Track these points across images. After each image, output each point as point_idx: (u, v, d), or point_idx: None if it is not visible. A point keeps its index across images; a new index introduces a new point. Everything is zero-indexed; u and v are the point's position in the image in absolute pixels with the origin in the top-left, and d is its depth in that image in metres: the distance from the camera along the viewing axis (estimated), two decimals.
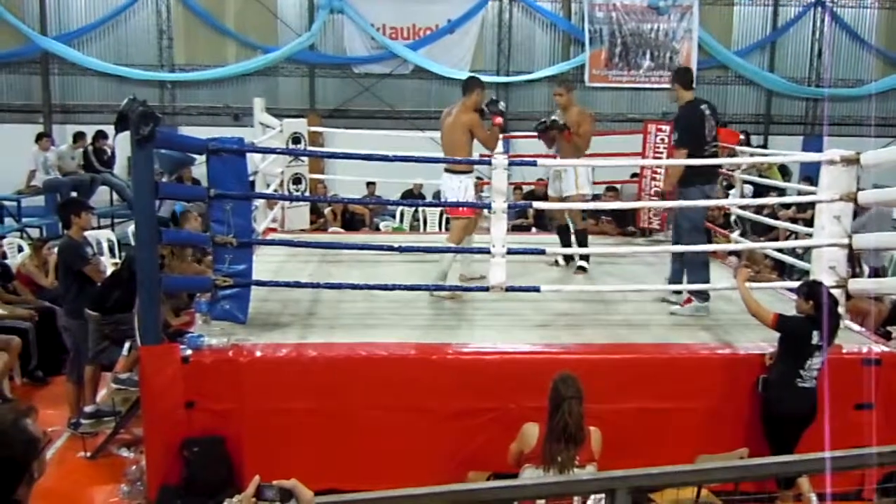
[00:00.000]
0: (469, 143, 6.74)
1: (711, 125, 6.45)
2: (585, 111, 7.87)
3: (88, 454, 6.23)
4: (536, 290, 6.09)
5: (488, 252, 5.81)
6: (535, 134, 7.83)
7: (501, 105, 7.04)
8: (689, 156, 6.23)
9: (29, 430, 2.64)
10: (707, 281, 6.33)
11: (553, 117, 7.66)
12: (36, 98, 15.83)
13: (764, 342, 5.54)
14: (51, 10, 15.63)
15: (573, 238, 7.65)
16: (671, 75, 6.84)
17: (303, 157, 9.58)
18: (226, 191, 5.47)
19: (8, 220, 12.49)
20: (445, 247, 6.93)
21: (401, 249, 6.68)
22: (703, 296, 6.32)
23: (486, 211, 6.33)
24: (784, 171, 14.00)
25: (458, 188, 6.79)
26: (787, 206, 10.58)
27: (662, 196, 7.12)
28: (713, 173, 6.68)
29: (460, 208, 6.82)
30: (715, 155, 6.70)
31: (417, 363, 5.42)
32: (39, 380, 7.85)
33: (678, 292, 6.51)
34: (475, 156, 7.29)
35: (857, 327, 6.15)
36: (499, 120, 6.83)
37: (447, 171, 6.87)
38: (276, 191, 9.16)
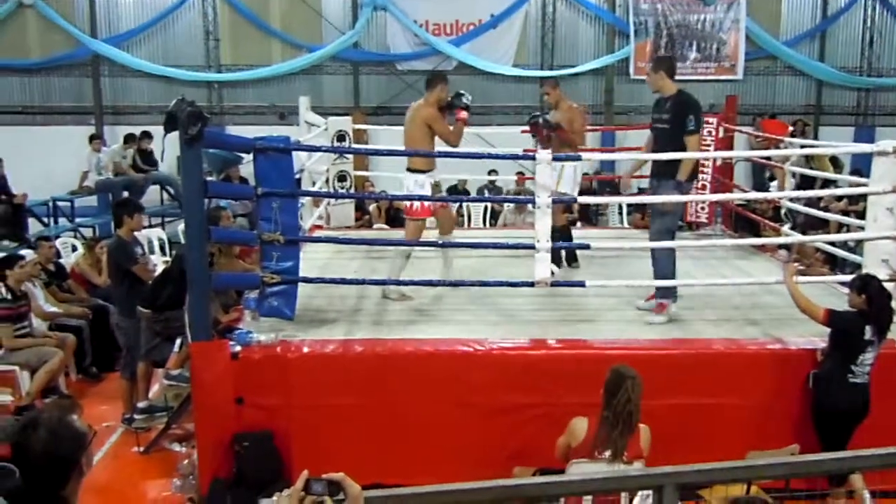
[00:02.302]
0: (427, 138, 6.52)
1: None
2: (575, 106, 7.74)
3: (141, 449, 6.36)
4: (582, 285, 6.06)
5: (533, 248, 5.79)
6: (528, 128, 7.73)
7: (467, 99, 6.70)
8: (679, 148, 6.05)
9: (76, 426, 2.73)
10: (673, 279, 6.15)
11: (546, 117, 7.54)
12: (87, 100, 16.14)
13: (815, 337, 5.45)
14: (100, 13, 15.92)
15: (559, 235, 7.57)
16: (654, 62, 6.56)
17: (348, 155, 9.65)
18: (273, 189, 5.54)
19: (62, 221, 12.78)
20: (490, 242, 6.93)
21: (444, 245, 6.72)
22: (673, 295, 6.16)
23: (530, 206, 6.30)
24: (835, 162, 13.72)
25: (412, 188, 6.63)
26: (839, 198, 10.37)
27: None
28: (696, 171, 6.51)
29: (414, 208, 6.66)
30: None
31: (463, 358, 5.43)
32: (94, 376, 8.02)
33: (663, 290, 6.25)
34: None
35: None
36: (463, 114, 6.62)
37: (406, 169, 6.69)
38: (321, 188, 9.24)
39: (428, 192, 6.63)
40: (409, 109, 6.72)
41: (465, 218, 13.03)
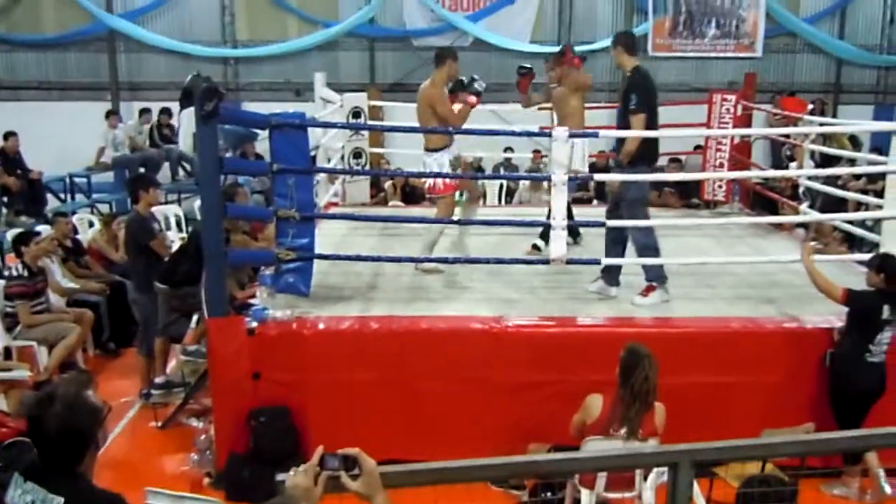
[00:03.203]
0: (435, 118, 6.48)
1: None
2: (581, 73, 7.56)
3: (159, 424, 6.41)
4: (597, 262, 6.05)
5: (548, 225, 5.77)
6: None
7: (480, 85, 6.56)
8: (625, 127, 5.90)
9: (91, 400, 2.76)
10: (660, 264, 5.97)
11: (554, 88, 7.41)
12: (103, 76, 16.13)
13: (832, 316, 5.42)
14: None
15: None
16: (613, 38, 6.37)
17: (363, 132, 9.63)
18: (288, 165, 5.54)
19: (79, 196, 12.85)
20: (505, 220, 6.92)
21: (460, 223, 6.72)
22: (663, 279, 5.98)
23: (545, 183, 6.27)
24: (854, 141, 13.56)
25: (433, 167, 6.61)
26: (857, 177, 10.28)
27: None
28: (657, 155, 6.30)
29: (438, 187, 6.67)
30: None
31: (478, 335, 5.44)
32: (111, 351, 8.08)
33: (607, 274, 6.14)
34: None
35: None
36: (472, 99, 6.50)
37: (424, 149, 6.67)
38: (336, 165, 9.23)
39: (447, 169, 6.59)
40: (419, 91, 6.68)
41: (482, 195, 12.97)
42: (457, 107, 6.52)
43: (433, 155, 6.59)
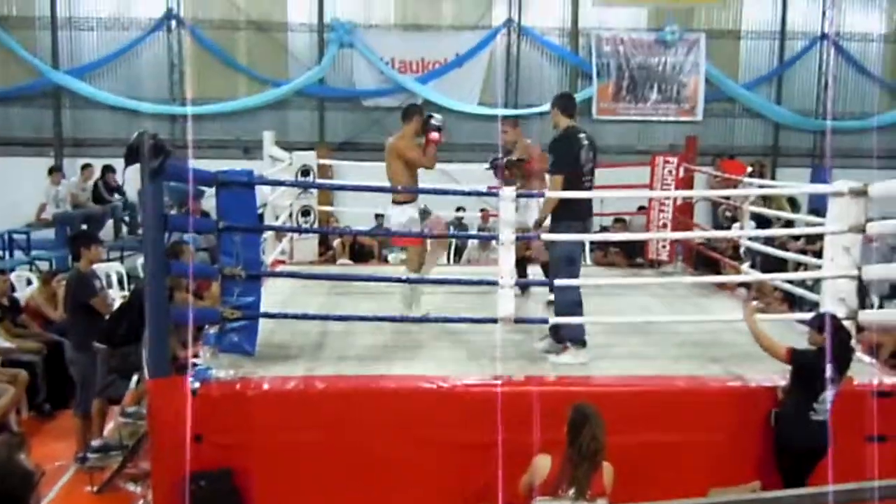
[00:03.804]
0: (405, 170, 6.63)
1: (589, 157, 6.11)
2: (531, 145, 7.72)
3: (95, 488, 6.21)
4: (545, 321, 6.07)
5: (496, 284, 5.79)
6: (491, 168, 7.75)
7: (437, 120, 6.71)
8: (566, 187, 5.95)
9: (23, 465, 2.65)
10: (581, 323, 5.93)
11: (510, 157, 7.53)
12: (47, 131, 15.96)
13: (775, 374, 5.49)
14: (63, 44, 15.81)
15: (537, 270, 7.59)
16: (552, 100, 6.43)
17: (312, 189, 9.63)
18: (235, 223, 5.49)
19: (18, 253, 12.55)
20: (454, 278, 6.93)
21: (409, 281, 6.70)
22: (580, 342, 5.90)
23: (494, 242, 6.32)
24: (793, 203, 13.99)
25: (399, 218, 6.72)
26: (796, 237, 10.56)
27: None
28: (587, 212, 6.20)
29: (405, 238, 6.83)
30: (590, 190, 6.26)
31: (426, 395, 5.39)
32: (46, 413, 7.84)
33: (554, 333, 6.10)
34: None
35: (868, 359, 6.10)
36: (434, 135, 6.62)
37: (392, 202, 6.81)
38: (284, 222, 9.19)
39: (416, 221, 6.78)
40: (386, 146, 6.76)
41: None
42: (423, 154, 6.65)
43: (402, 207, 6.70)
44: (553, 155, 6.05)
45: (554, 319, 6.04)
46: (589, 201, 6.27)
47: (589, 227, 6.32)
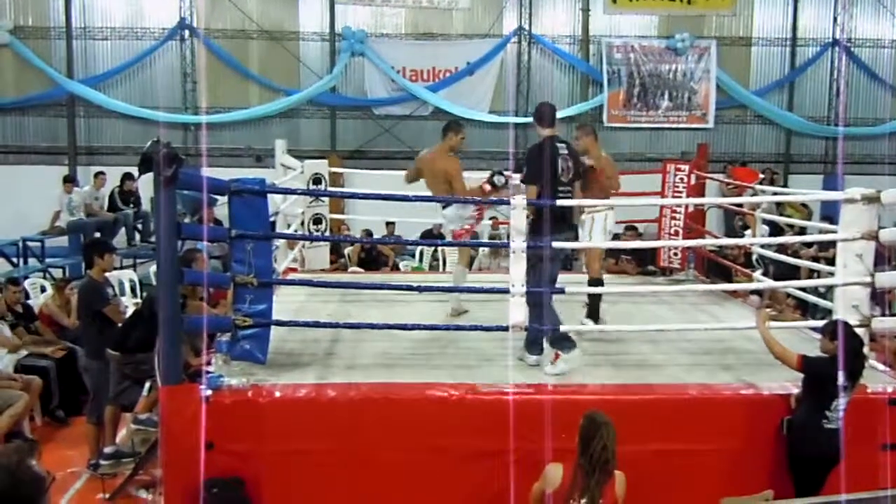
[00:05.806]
0: (448, 190, 6.88)
1: (567, 165, 6.07)
2: (605, 156, 7.56)
3: (107, 495, 6.23)
4: (555, 330, 6.05)
5: (507, 292, 5.78)
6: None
7: (498, 180, 6.78)
8: (540, 197, 5.89)
9: (34, 470, 2.67)
10: (557, 325, 5.85)
11: (498, 176, 7.32)
12: (61, 140, 16.07)
13: (788, 382, 5.47)
14: (77, 53, 15.93)
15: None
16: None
17: (323, 198, 9.65)
18: (247, 231, 5.51)
19: (32, 261, 12.64)
20: (462, 286, 6.94)
21: (420, 289, 6.73)
22: (564, 344, 5.83)
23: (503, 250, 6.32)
24: (805, 209, 13.95)
25: (457, 210, 6.91)
26: (809, 245, 10.52)
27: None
28: (565, 222, 6.11)
29: (462, 229, 7.03)
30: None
31: (437, 403, 5.38)
32: (60, 420, 7.88)
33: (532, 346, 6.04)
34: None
35: (882, 366, 6.07)
36: (487, 188, 6.78)
37: (442, 206, 7.03)
38: (296, 231, 9.22)
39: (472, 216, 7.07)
40: (425, 160, 6.89)
41: (441, 262, 13.02)
42: (470, 186, 6.94)
43: (453, 206, 6.94)
44: (525, 166, 6.10)
45: (563, 328, 6.02)
46: (568, 211, 6.19)
47: (570, 238, 6.28)
